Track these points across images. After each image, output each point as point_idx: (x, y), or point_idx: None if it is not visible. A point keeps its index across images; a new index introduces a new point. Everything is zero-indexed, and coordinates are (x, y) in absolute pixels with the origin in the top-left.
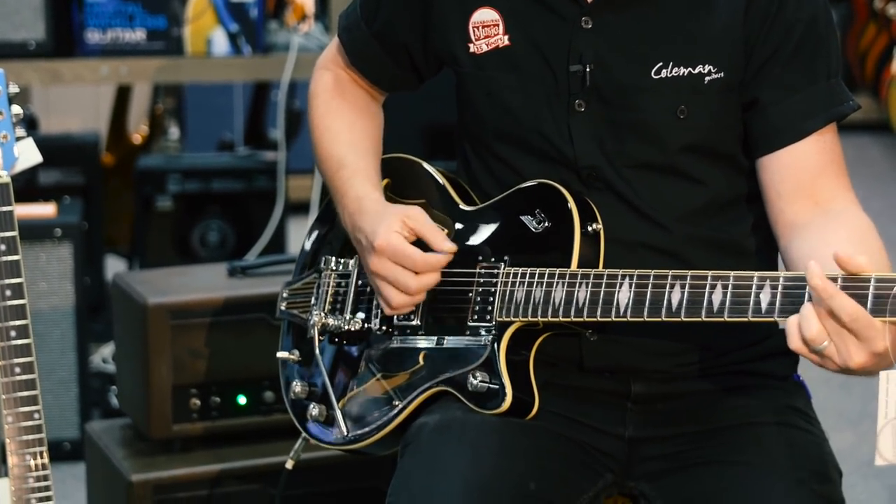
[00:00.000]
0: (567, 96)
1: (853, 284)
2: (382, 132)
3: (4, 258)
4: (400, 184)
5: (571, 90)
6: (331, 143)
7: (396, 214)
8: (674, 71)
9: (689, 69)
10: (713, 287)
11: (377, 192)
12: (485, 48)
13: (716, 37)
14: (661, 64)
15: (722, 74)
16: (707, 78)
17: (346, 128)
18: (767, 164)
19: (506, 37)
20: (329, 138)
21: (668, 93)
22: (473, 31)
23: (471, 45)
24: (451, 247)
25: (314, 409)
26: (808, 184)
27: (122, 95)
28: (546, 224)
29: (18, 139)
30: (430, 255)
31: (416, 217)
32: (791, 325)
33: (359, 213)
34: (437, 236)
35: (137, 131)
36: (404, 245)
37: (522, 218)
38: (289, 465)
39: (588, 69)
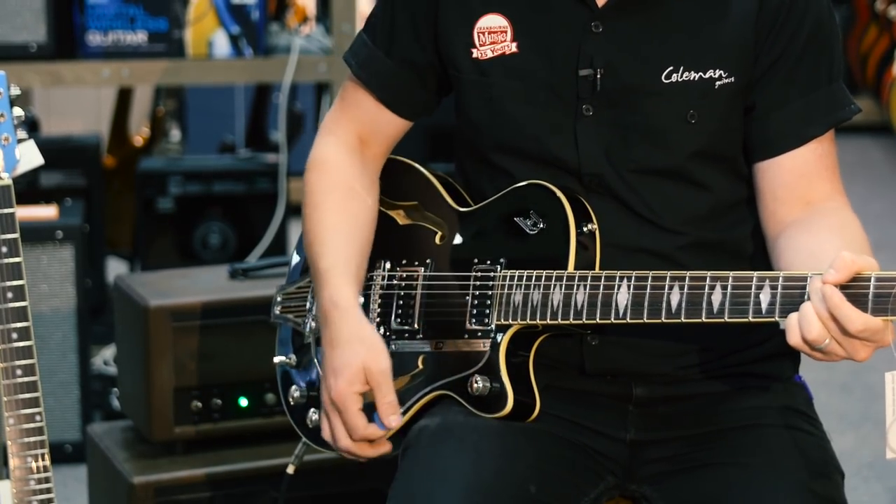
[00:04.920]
0: (575, 101)
1: (853, 284)
2: (377, 199)
3: (6, 260)
4: (393, 186)
5: (580, 95)
6: (316, 226)
7: (360, 365)
8: (684, 75)
9: (700, 73)
10: (712, 288)
11: (351, 293)
12: (490, 54)
13: (727, 41)
14: (671, 68)
15: (733, 79)
16: (718, 83)
17: (334, 210)
18: (766, 168)
19: (514, 44)
20: (315, 219)
21: (679, 97)
22: (478, 36)
23: (474, 51)
24: (395, 422)
25: (314, 415)
26: (804, 188)
27: (124, 97)
28: (541, 225)
29: (20, 141)
30: (371, 426)
31: (376, 377)
32: (791, 322)
33: (329, 320)
34: (386, 408)
35: (139, 133)
36: (353, 414)
37: (517, 220)
38: (290, 469)
39: (598, 73)
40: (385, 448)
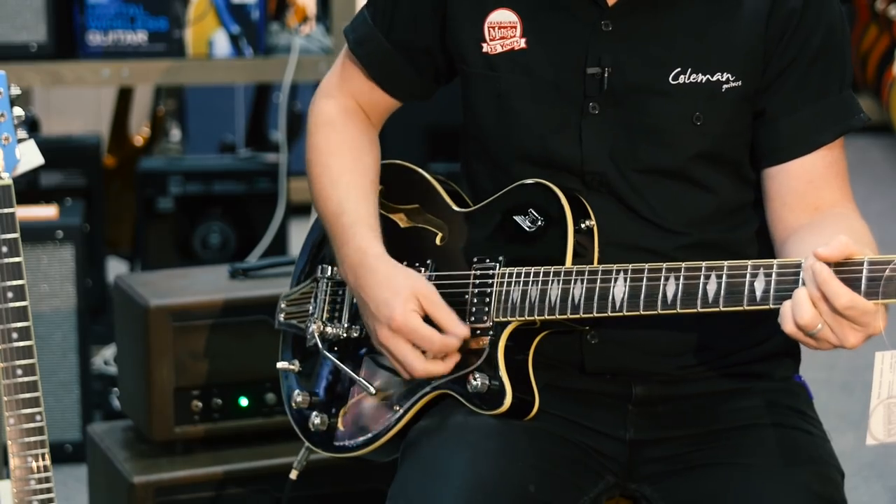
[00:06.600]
0: (581, 99)
1: (846, 268)
2: (380, 163)
3: (6, 260)
4: (393, 190)
5: (587, 93)
6: (330, 185)
7: (410, 290)
8: (692, 77)
9: (708, 76)
10: (707, 277)
11: (379, 244)
12: (499, 49)
13: (736, 45)
14: (679, 70)
15: (740, 83)
16: (725, 86)
17: (347, 168)
18: (774, 173)
19: (522, 40)
20: (328, 179)
21: (686, 99)
22: (489, 31)
23: (484, 45)
24: (464, 331)
25: (316, 419)
26: (812, 194)
27: (124, 97)
28: (539, 223)
29: (20, 141)
30: (447, 337)
31: (429, 297)
32: (785, 309)
33: (362, 269)
34: (451, 319)
35: (139, 133)
36: (423, 327)
37: (516, 218)
38: (293, 475)
39: (606, 72)
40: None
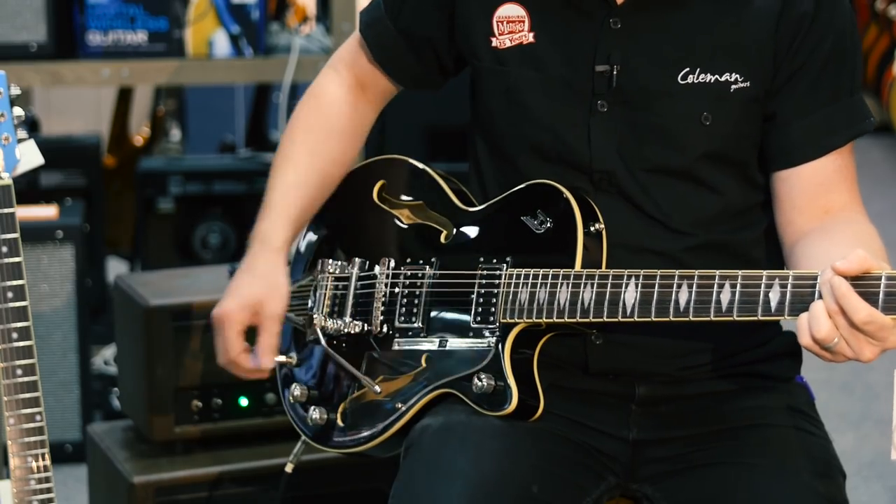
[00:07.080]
0: (590, 97)
1: (864, 283)
2: (358, 147)
3: (6, 260)
4: (397, 185)
5: (595, 90)
6: (281, 158)
7: (259, 297)
8: (700, 77)
9: (716, 76)
10: (721, 286)
11: (285, 234)
12: (508, 43)
13: (745, 46)
14: (687, 69)
15: (748, 84)
16: (733, 86)
17: (304, 148)
18: (785, 176)
19: (531, 34)
20: (284, 153)
21: (694, 99)
22: (497, 25)
23: (493, 39)
24: (268, 364)
25: (314, 413)
26: (822, 197)
27: (124, 97)
28: (548, 225)
29: (20, 141)
30: (244, 355)
31: (270, 315)
32: (801, 322)
33: (254, 253)
34: (265, 346)
35: (139, 133)
36: (229, 331)
37: (523, 219)
38: (288, 468)
39: (615, 70)
40: (261, 375)
